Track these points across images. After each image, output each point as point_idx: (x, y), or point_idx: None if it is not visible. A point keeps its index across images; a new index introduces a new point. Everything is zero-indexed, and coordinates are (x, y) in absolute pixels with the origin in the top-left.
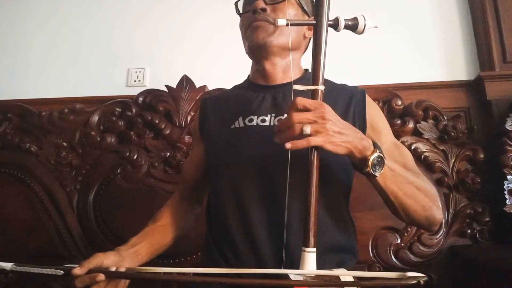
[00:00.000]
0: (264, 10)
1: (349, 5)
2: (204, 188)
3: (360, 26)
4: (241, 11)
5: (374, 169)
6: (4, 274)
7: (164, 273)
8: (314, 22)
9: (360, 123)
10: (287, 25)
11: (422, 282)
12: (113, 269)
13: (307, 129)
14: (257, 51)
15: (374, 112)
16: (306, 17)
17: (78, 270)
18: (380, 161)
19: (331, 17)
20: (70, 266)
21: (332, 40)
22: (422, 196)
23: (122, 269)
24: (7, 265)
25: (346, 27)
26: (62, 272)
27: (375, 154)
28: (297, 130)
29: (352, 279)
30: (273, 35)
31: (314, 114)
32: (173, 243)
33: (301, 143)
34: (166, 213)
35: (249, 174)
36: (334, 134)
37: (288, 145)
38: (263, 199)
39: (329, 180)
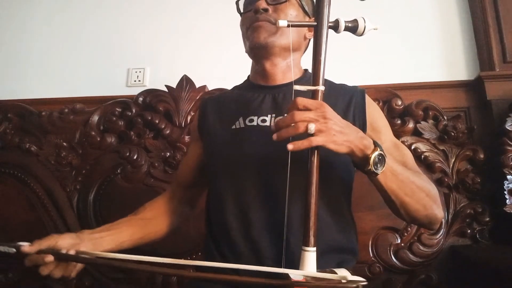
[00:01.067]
0: (266, 10)
1: (349, 4)
2: (198, 190)
3: (360, 28)
4: (242, 10)
5: (375, 167)
6: (4, 274)
7: (117, 259)
8: (315, 23)
9: (360, 123)
10: (288, 26)
11: (360, 287)
12: (64, 251)
13: (312, 127)
14: (258, 51)
15: (374, 112)
16: (307, 18)
17: (27, 248)
18: (381, 159)
19: (332, 18)
20: (21, 244)
21: (332, 40)
22: (423, 195)
23: (72, 252)
24: None
25: (346, 29)
26: (14, 250)
27: (376, 153)
28: (301, 127)
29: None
30: (274, 36)
31: (315, 114)
32: (151, 240)
33: (303, 144)
34: (149, 208)
35: (249, 174)
36: (336, 134)
37: (290, 146)
38: (264, 199)
39: (330, 180)
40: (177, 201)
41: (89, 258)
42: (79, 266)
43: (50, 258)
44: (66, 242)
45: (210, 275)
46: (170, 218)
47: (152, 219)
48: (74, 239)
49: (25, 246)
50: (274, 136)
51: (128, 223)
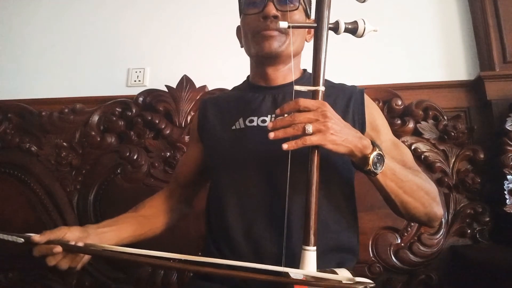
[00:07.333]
0: (276, 17)
1: (349, 3)
2: (195, 189)
3: (360, 30)
4: (242, 8)
5: (375, 167)
6: (4, 274)
7: (125, 252)
8: (315, 25)
9: (359, 122)
10: (289, 27)
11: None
12: (72, 243)
13: (309, 128)
14: (267, 59)
15: (373, 111)
16: None
17: (37, 238)
18: (380, 159)
19: (332, 19)
20: (31, 235)
21: (333, 39)
22: (422, 193)
23: (80, 244)
24: None
25: (346, 30)
26: (22, 240)
27: (375, 152)
28: (299, 129)
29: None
30: (284, 45)
31: (315, 113)
32: (148, 237)
33: (297, 143)
34: (149, 205)
35: (250, 174)
36: (335, 133)
37: (285, 146)
38: (264, 198)
39: (331, 179)
40: (175, 199)
41: (96, 250)
42: (86, 258)
43: (58, 249)
44: (74, 235)
45: (218, 270)
46: (169, 216)
47: (151, 217)
48: (82, 233)
49: (35, 236)
50: (271, 135)
51: (128, 219)
